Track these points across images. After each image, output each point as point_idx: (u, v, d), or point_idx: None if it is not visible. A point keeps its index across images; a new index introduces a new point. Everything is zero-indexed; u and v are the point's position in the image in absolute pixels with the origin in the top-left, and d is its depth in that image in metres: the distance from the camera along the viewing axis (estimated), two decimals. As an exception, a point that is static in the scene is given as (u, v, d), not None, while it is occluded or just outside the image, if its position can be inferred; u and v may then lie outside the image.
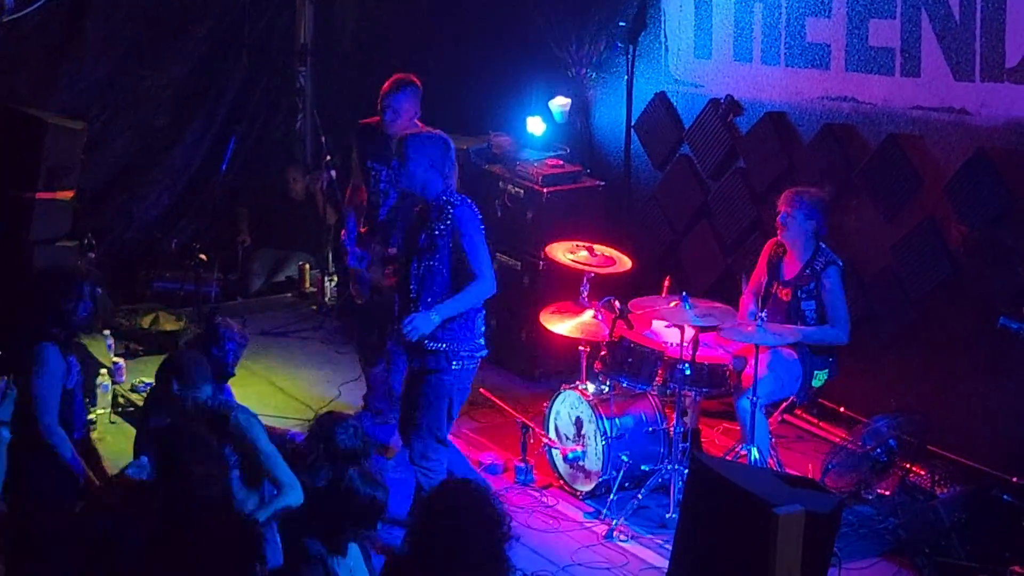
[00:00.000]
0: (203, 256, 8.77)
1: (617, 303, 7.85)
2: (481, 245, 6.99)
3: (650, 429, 7.92)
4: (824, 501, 5.24)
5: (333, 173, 10.23)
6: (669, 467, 7.70)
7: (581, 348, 8.15)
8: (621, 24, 9.58)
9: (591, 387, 7.99)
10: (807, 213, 7.82)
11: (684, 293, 7.68)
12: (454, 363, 6.98)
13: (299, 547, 5.40)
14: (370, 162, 8.18)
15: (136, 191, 11.07)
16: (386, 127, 8.06)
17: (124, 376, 9.11)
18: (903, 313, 8.33)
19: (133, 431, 8.58)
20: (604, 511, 7.72)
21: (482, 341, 7.10)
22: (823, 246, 7.86)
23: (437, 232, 6.92)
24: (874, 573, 7.19)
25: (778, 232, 7.94)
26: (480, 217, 7.06)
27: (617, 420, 7.85)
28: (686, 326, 7.58)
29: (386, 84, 8.11)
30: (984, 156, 7.76)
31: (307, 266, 11.22)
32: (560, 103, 9.94)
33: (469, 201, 7.06)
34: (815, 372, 7.88)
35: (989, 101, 7.75)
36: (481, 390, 8.90)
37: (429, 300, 6.92)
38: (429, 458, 7.08)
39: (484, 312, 7.12)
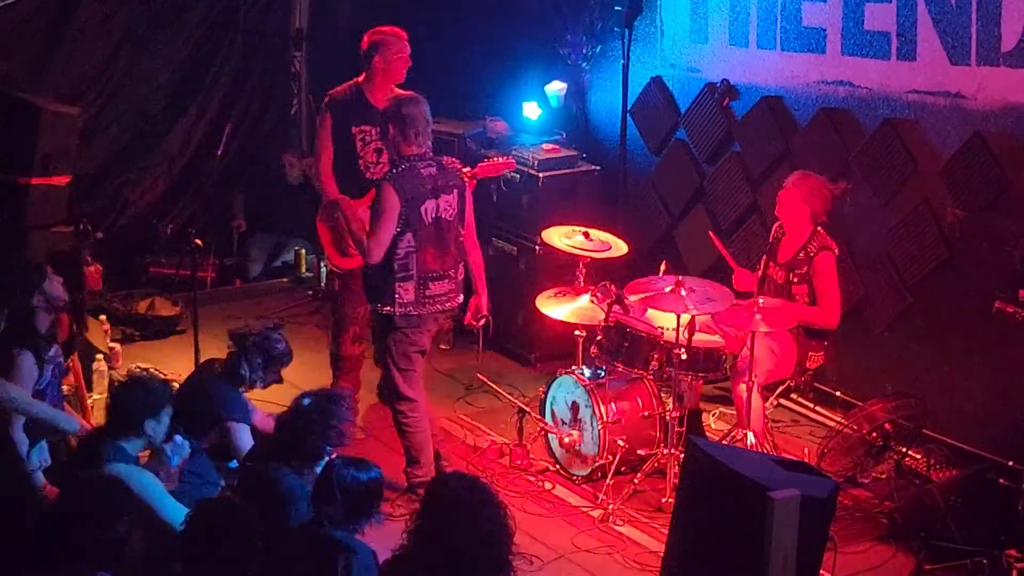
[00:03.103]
0: (198, 241, 8.76)
1: (613, 287, 7.85)
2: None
3: (646, 414, 7.92)
4: (820, 485, 5.26)
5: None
6: (665, 451, 7.71)
7: (577, 333, 8.16)
8: (617, 8, 9.57)
9: (587, 372, 8.00)
10: (805, 196, 7.83)
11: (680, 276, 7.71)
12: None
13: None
14: (356, 127, 8.14)
15: (131, 176, 11.06)
16: (400, 79, 8.13)
17: (120, 361, 9.12)
18: (899, 297, 8.34)
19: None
20: (600, 496, 7.73)
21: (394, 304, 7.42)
22: (820, 231, 7.87)
23: None
24: (870, 557, 7.20)
25: (776, 207, 7.97)
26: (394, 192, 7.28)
27: (613, 405, 7.86)
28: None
29: (395, 36, 8.13)
30: (980, 140, 7.76)
31: (303, 251, 11.22)
32: (556, 88, 9.94)
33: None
34: (809, 353, 7.90)
35: (985, 85, 7.74)
36: (478, 375, 8.93)
37: None
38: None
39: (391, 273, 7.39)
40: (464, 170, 8.11)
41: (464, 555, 4.85)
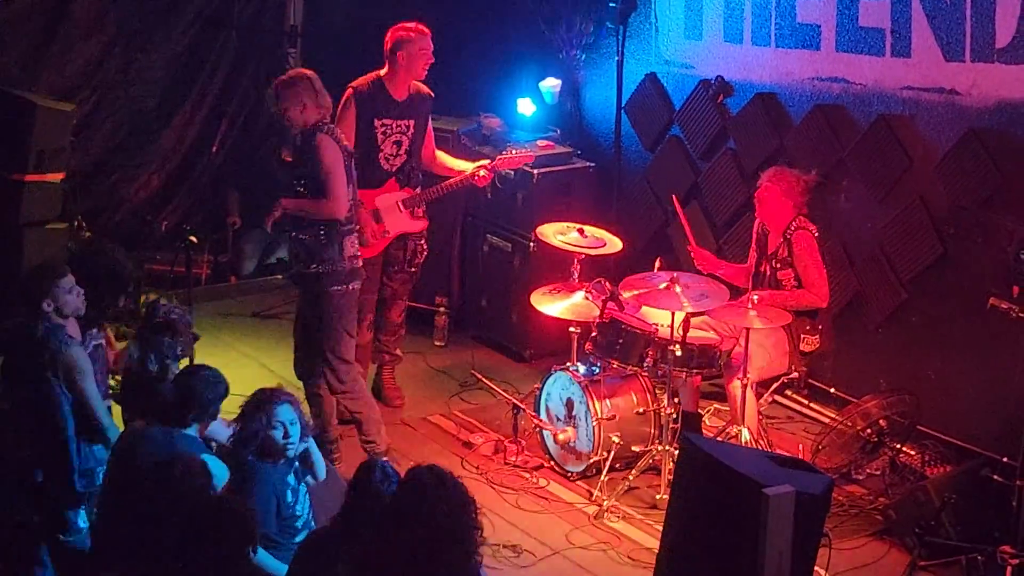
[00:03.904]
0: (193, 238, 8.76)
1: (608, 284, 7.85)
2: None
3: (641, 410, 7.92)
4: (814, 482, 5.26)
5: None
6: (660, 448, 7.71)
7: (572, 329, 8.16)
8: (612, 5, 9.56)
9: (582, 368, 8.00)
10: (785, 190, 7.85)
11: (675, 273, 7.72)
12: None
13: None
14: (379, 119, 8.26)
15: (126, 173, 11.03)
16: (421, 75, 8.32)
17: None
18: (894, 293, 8.35)
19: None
20: (595, 492, 7.73)
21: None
22: (799, 217, 7.89)
23: None
24: (864, 553, 7.21)
25: (756, 207, 7.99)
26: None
27: (608, 401, 7.86)
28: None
29: (420, 33, 8.31)
30: (974, 137, 7.77)
31: (297, 248, 11.19)
32: (550, 84, 9.93)
33: None
34: (803, 336, 7.90)
35: (979, 81, 7.75)
36: (472, 371, 8.92)
37: None
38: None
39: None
40: (483, 162, 8.42)
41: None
